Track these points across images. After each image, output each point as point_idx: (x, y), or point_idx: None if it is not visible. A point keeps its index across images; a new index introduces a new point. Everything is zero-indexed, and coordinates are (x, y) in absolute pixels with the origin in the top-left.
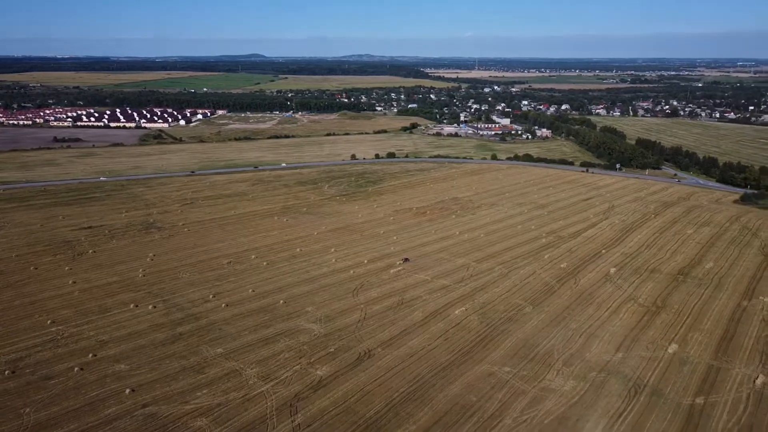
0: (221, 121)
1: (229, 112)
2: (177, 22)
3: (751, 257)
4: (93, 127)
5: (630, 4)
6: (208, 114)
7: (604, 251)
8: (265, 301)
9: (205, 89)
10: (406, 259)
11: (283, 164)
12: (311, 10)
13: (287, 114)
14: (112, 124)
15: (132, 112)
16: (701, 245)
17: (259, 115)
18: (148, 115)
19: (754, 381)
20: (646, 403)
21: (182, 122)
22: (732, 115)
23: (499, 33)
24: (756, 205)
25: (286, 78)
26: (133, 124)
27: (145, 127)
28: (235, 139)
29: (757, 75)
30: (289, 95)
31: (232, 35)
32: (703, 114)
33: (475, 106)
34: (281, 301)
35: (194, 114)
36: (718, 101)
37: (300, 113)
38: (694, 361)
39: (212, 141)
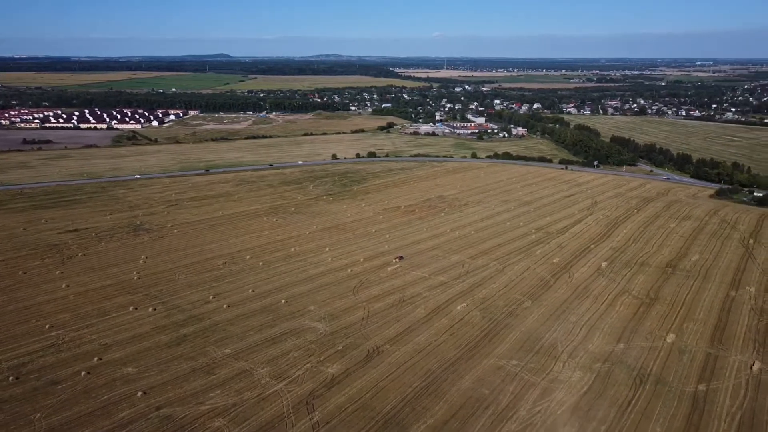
0: (195, 122)
1: (201, 112)
2: (140, 21)
3: (733, 249)
4: (62, 128)
5: (593, 6)
6: (181, 114)
7: (593, 246)
8: (267, 301)
9: (174, 89)
10: (401, 257)
11: (269, 164)
12: (278, 10)
13: (261, 114)
14: (83, 126)
15: (101, 113)
16: (685, 238)
17: (233, 115)
18: (119, 116)
19: (751, 367)
20: (652, 392)
21: (155, 123)
22: (697, 113)
23: (467, 33)
24: (731, 200)
25: (256, 78)
26: (104, 125)
27: (117, 128)
28: (212, 140)
29: (715, 74)
30: (261, 95)
31: (198, 35)
32: (670, 112)
33: (448, 105)
34: (283, 301)
35: (166, 115)
36: (682, 100)
37: (274, 113)
38: (692, 350)
39: (188, 142)
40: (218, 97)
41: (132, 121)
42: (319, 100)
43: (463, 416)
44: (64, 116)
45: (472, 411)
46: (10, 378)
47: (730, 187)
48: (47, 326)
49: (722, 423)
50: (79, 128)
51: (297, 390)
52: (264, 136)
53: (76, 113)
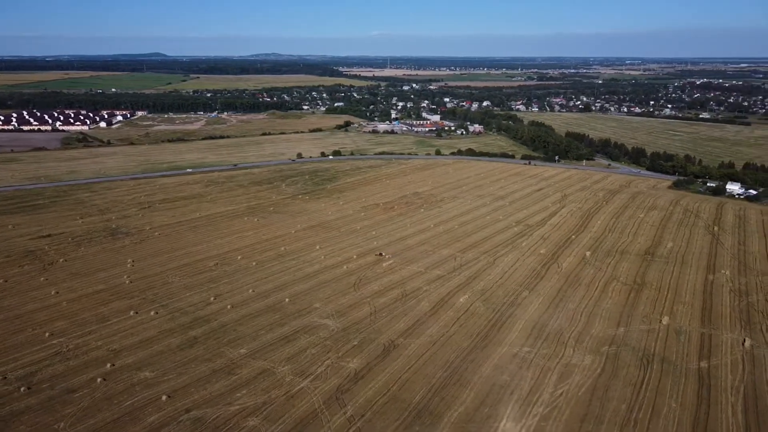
0: (145, 123)
1: (149, 113)
2: (66, 18)
3: (701, 236)
4: (2, 130)
5: (528, 5)
6: (128, 115)
7: (573, 237)
8: (270, 300)
9: (113, 89)
10: (381, 254)
11: (234, 164)
12: (213, 8)
13: (213, 114)
14: (25, 127)
15: (42, 114)
16: (655, 227)
17: (183, 115)
18: (61, 117)
19: (743, 344)
20: (660, 370)
21: (102, 124)
22: (637, 110)
23: (406, 32)
24: (688, 190)
25: (198, 78)
26: (48, 127)
27: (62, 130)
28: (168, 141)
29: (646, 72)
30: (208, 95)
31: (130, 33)
32: (612, 109)
33: (400, 103)
34: (286, 300)
35: (113, 115)
36: (621, 97)
37: (226, 113)
38: (687, 331)
39: (143, 143)
40: (164, 97)
41: (77, 123)
42: (269, 99)
43: (491, 402)
44: (2, 118)
45: (498, 397)
46: (22, 389)
47: (685, 178)
48: (47, 334)
49: (729, 396)
50: (21, 130)
51: (323, 386)
52: (222, 137)
53: (14, 114)
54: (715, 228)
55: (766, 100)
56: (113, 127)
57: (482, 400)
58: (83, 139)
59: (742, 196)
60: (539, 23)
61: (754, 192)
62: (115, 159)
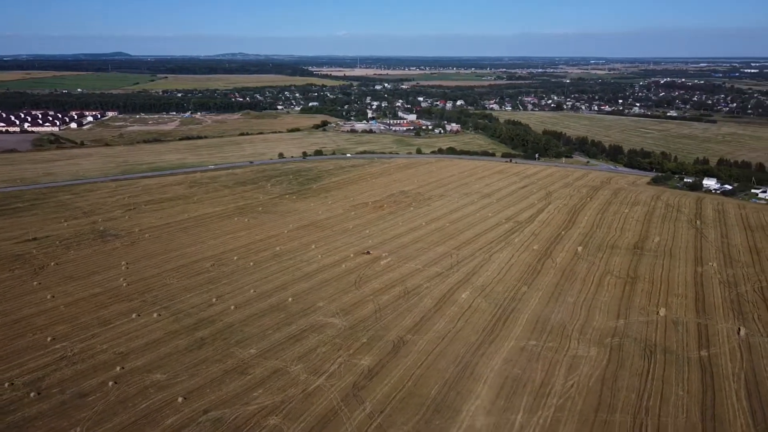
0: (117, 123)
1: (120, 113)
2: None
3: (686, 230)
4: None
5: (493, 6)
6: (99, 116)
7: (563, 233)
8: (273, 300)
9: (79, 89)
10: (368, 252)
11: (215, 165)
12: (177, 7)
13: (186, 115)
14: None
15: (8, 115)
16: (641, 222)
17: (156, 116)
18: (29, 118)
19: (738, 333)
20: (663, 360)
21: (73, 125)
22: (607, 108)
23: (373, 32)
24: (666, 186)
25: (166, 78)
26: (16, 128)
27: (32, 131)
28: (144, 142)
29: (611, 72)
30: (179, 95)
31: (91, 32)
32: (583, 107)
33: (375, 103)
34: (290, 299)
35: (82, 116)
36: (591, 96)
37: (199, 113)
38: (684, 321)
39: (119, 144)
40: (134, 97)
41: (47, 124)
42: (241, 99)
43: (506, 395)
44: None
45: (512, 389)
46: (32, 394)
47: (663, 174)
48: (49, 339)
49: (732, 383)
50: None
51: (339, 384)
52: (199, 137)
53: None
54: (698, 222)
55: (729, 98)
56: (84, 128)
57: (497, 393)
58: (55, 141)
59: (718, 191)
60: (505, 23)
61: (729, 187)
62: (92, 161)
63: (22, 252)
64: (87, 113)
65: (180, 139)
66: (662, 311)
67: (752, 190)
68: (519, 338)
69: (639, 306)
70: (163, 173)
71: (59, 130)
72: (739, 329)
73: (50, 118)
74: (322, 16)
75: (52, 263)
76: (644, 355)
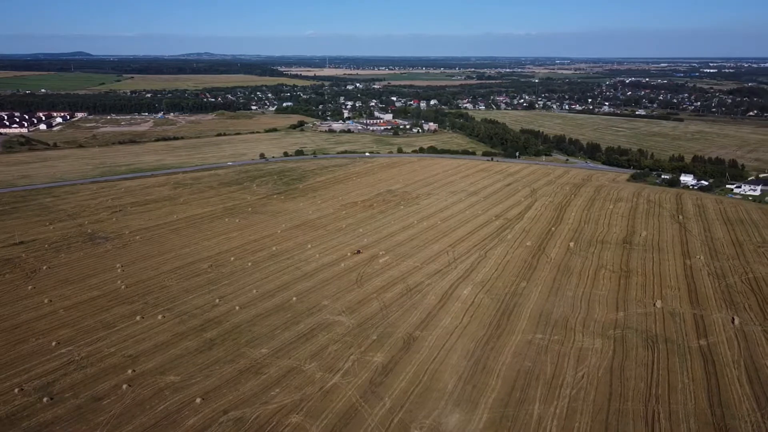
0: (88, 125)
1: (89, 114)
2: None
3: (669, 224)
4: None
5: (458, 6)
6: (67, 117)
7: (553, 229)
8: (277, 300)
9: (43, 90)
10: (359, 251)
11: (196, 165)
12: (140, 5)
13: (159, 115)
14: None
15: None
16: (626, 218)
17: (128, 117)
18: None
19: (732, 322)
20: (665, 350)
21: (42, 126)
22: (578, 107)
23: (341, 32)
24: (645, 182)
25: (133, 78)
26: None
27: (0, 133)
28: (120, 143)
29: (577, 72)
30: (148, 96)
31: (49, 31)
32: (554, 106)
33: (349, 103)
34: (294, 298)
35: (50, 117)
36: (561, 95)
37: (172, 114)
38: (680, 312)
39: (93, 146)
40: (103, 98)
41: (15, 125)
42: (213, 99)
43: (521, 387)
44: None
45: (526, 382)
46: (44, 399)
47: (641, 171)
48: (53, 343)
49: (733, 370)
50: None
51: (355, 381)
52: (175, 138)
53: None
54: (680, 217)
55: (692, 97)
56: (54, 129)
57: (512, 386)
58: (27, 143)
59: (695, 187)
60: (470, 24)
61: (706, 183)
62: (68, 162)
63: (11, 256)
64: (55, 114)
65: (156, 140)
66: (659, 303)
67: (727, 186)
68: (525, 332)
69: (636, 299)
70: (144, 175)
71: (28, 131)
72: (733, 318)
73: (17, 120)
74: (289, 16)
75: (44, 267)
76: (647, 346)
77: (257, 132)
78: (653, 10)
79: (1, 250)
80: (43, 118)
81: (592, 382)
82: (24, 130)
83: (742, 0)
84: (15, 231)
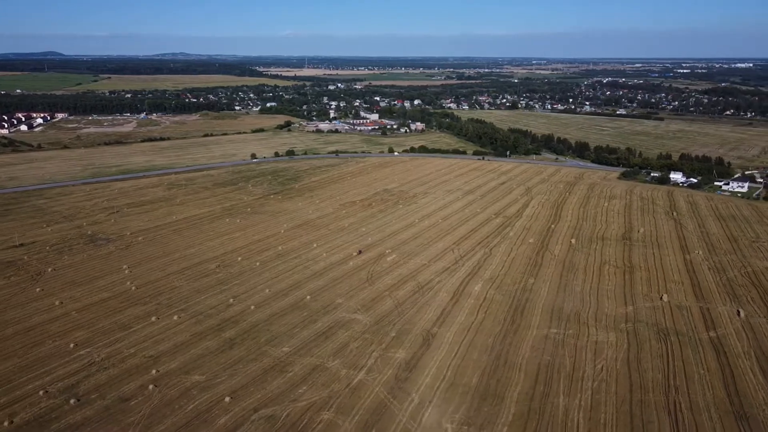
0: (70, 125)
1: (69, 115)
2: None
3: (665, 221)
4: None
5: (435, 6)
6: (48, 118)
7: (553, 226)
8: (291, 299)
9: (18, 90)
10: (360, 251)
11: (186, 166)
12: (112, 5)
13: (142, 116)
14: None
15: None
16: (622, 215)
17: (110, 117)
18: None
19: (738, 314)
20: (677, 342)
21: (23, 127)
22: (560, 107)
23: (318, 32)
24: (636, 180)
25: (110, 78)
26: None
27: None
28: (106, 144)
29: (555, 72)
30: (128, 96)
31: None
32: (537, 106)
33: (333, 103)
34: (307, 297)
35: (30, 118)
36: (542, 95)
37: (155, 114)
38: (687, 306)
39: (78, 147)
40: (82, 98)
41: None
42: (195, 100)
43: (544, 380)
44: None
45: (548, 375)
46: (71, 401)
47: (631, 169)
48: (71, 345)
49: (745, 360)
50: None
51: (381, 377)
52: (162, 138)
53: None
54: (675, 213)
55: (669, 97)
56: (36, 130)
57: (534, 379)
58: (9, 144)
59: (685, 184)
60: (446, 24)
61: (695, 180)
62: (56, 164)
63: (13, 258)
64: (35, 115)
65: (142, 141)
66: (665, 297)
67: (715, 183)
68: (540, 327)
69: (642, 293)
70: (136, 176)
71: (9, 132)
72: (739, 311)
73: None
74: (265, 17)
75: (49, 269)
76: (659, 339)
77: (244, 132)
78: (627, 12)
79: (1, 252)
80: (23, 119)
81: (611, 374)
82: (4, 131)
83: (712, 3)
84: (12, 233)
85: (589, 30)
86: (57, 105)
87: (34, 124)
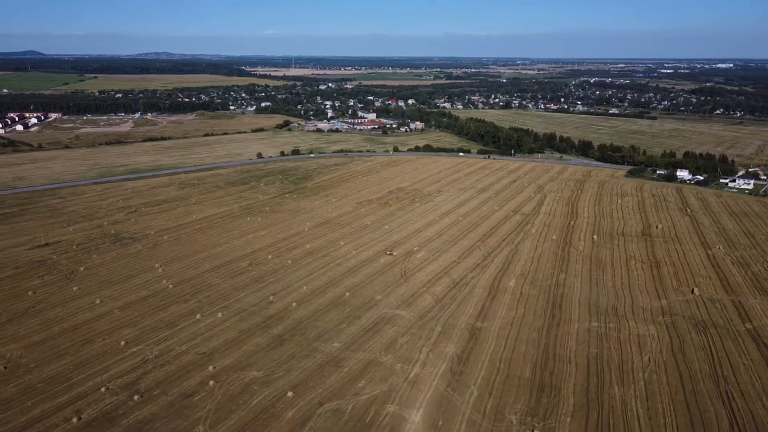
0: (66, 125)
1: (63, 115)
2: None
3: (680, 217)
4: None
5: (417, 7)
6: (42, 118)
7: (572, 223)
8: (330, 296)
9: (5, 90)
10: (391, 252)
11: (194, 166)
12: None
13: (137, 116)
14: None
15: None
16: (637, 211)
17: (105, 117)
18: None
19: None
20: (716, 334)
21: (19, 127)
22: (553, 106)
23: (300, 32)
24: (643, 178)
25: (96, 77)
26: None
27: None
28: (107, 144)
29: (541, 72)
30: (118, 96)
31: None
32: (530, 105)
33: (328, 102)
34: (346, 294)
35: (24, 118)
36: (534, 94)
37: (150, 114)
38: (718, 299)
39: (79, 147)
40: (74, 98)
41: None
42: (187, 100)
43: (596, 372)
44: None
45: (599, 367)
46: (135, 397)
47: (637, 167)
48: (121, 343)
49: None
50: None
51: (436, 371)
52: (163, 138)
53: None
54: (688, 210)
55: (658, 96)
56: (32, 130)
57: (586, 371)
58: (10, 144)
59: (692, 182)
60: (430, 25)
61: (701, 177)
62: (61, 164)
63: (42, 258)
64: (28, 115)
65: (144, 141)
66: (696, 291)
67: (721, 180)
68: (581, 321)
69: (672, 287)
70: (145, 175)
71: (5, 132)
72: None
73: None
74: (247, 16)
75: (81, 268)
76: (698, 331)
77: (244, 132)
78: (610, 13)
79: (28, 252)
80: (17, 119)
81: (659, 365)
82: (2, 131)
83: (693, 5)
84: (33, 233)
85: (571, 31)
86: (49, 105)
87: (30, 124)
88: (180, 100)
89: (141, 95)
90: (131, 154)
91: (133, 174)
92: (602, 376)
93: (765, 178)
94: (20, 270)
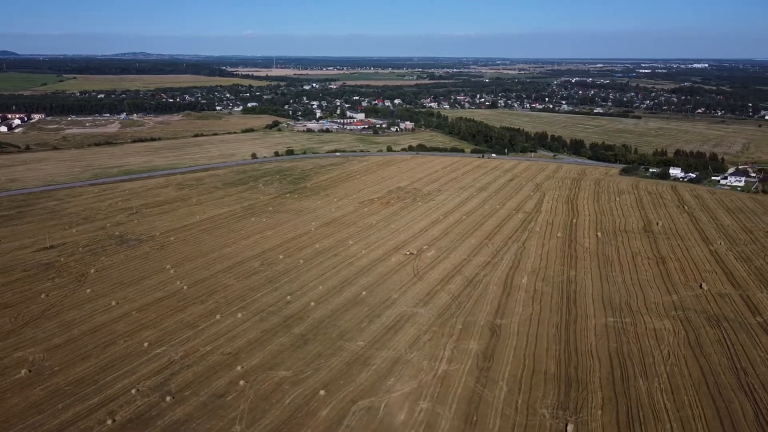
0: (51, 126)
1: (47, 116)
2: None
3: (679, 214)
4: None
5: (397, 8)
6: (25, 119)
7: (574, 220)
8: (347, 295)
9: None
10: (411, 253)
11: (189, 167)
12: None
13: (123, 116)
14: None
15: None
16: (636, 209)
17: (90, 118)
18: None
19: None
20: (729, 327)
21: (3, 128)
22: (538, 106)
23: (279, 32)
24: (637, 176)
25: (75, 78)
26: None
27: None
28: (96, 145)
29: (521, 72)
30: (100, 96)
31: None
32: (516, 105)
33: (315, 102)
34: (363, 293)
35: (6, 119)
36: (518, 94)
37: (136, 115)
38: (727, 293)
39: (68, 148)
40: (56, 98)
41: None
42: (172, 100)
43: (617, 366)
44: None
45: (621, 361)
46: (167, 398)
47: (630, 165)
48: (145, 344)
49: None
50: None
51: (463, 367)
52: (153, 139)
53: None
54: (685, 207)
55: (640, 95)
56: (16, 131)
57: (610, 365)
58: None
59: (685, 179)
60: (409, 25)
61: (694, 175)
62: (52, 165)
63: (49, 260)
64: (10, 116)
65: (133, 142)
66: (704, 285)
67: (713, 178)
68: (597, 316)
69: (681, 282)
70: (141, 176)
71: None
72: None
73: None
74: (225, 16)
75: (92, 270)
76: (712, 325)
77: (234, 132)
78: (587, 13)
79: (34, 254)
80: (0, 121)
81: (679, 359)
82: None
83: (668, 6)
84: (36, 235)
85: (549, 31)
86: (32, 106)
87: (13, 125)
88: (165, 100)
89: (124, 95)
90: (123, 156)
91: (127, 175)
92: (626, 370)
93: (754, 175)
94: (29, 273)
